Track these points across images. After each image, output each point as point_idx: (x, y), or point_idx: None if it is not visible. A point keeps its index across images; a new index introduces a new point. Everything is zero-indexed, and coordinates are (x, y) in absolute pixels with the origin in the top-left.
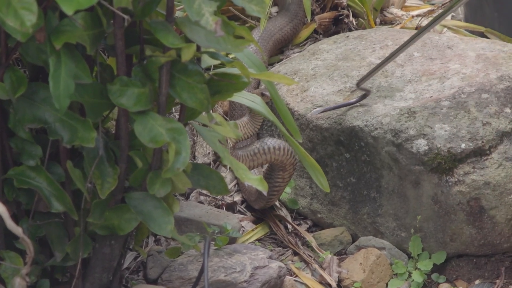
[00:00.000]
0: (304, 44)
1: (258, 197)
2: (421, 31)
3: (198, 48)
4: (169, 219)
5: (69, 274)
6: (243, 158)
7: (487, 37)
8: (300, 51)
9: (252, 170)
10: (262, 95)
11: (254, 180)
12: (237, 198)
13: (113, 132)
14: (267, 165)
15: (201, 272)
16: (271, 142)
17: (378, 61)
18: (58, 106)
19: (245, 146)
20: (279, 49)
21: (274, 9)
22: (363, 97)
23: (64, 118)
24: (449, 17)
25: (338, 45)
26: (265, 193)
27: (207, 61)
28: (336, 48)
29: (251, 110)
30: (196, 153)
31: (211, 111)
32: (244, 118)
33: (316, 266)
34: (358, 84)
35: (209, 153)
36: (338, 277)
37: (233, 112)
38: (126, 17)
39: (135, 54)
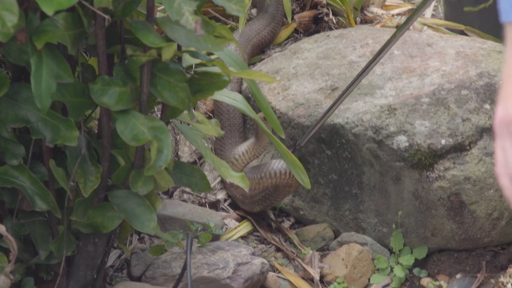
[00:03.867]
0: (285, 43)
1: (256, 201)
2: (372, 59)
3: (179, 47)
4: (152, 216)
5: (53, 272)
6: (250, 181)
7: (466, 35)
8: (281, 50)
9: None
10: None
11: (236, 177)
12: (220, 196)
13: (96, 131)
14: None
15: (184, 268)
16: (277, 166)
17: (359, 60)
18: (40, 106)
19: (253, 167)
20: (260, 51)
21: (254, 11)
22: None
23: (47, 117)
24: (429, 15)
25: (319, 44)
26: (246, 190)
27: (188, 60)
28: (317, 47)
29: (257, 132)
30: (180, 152)
31: (193, 109)
32: (251, 140)
33: (298, 262)
34: (300, 144)
35: (194, 152)
36: (320, 272)
37: (221, 117)
38: (106, 17)
39: (116, 54)
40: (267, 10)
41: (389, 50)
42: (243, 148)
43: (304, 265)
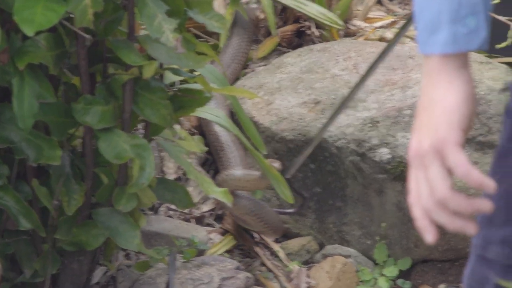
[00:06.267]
0: (269, 57)
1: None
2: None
3: (161, 65)
4: (136, 233)
5: None
6: (248, 213)
7: None
8: (265, 65)
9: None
10: None
11: (219, 193)
12: (205, 209)
13: (79, 149)
14: None
15: (169, 285)
16: (274, 218)
17: (342, 73)
18: (23, 126)
19: (259, 203)
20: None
21: None
22: (301, 206)
23: (30, 137)
24: (411, 27)
25: (302, 58)
26: (229, 205)
27: (170, 77)
28: (300, 61)
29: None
30: (165, 168)
31: (179, 125)
32: (255, 173)
33: (283, 276)
34: (286, 172)
35: (178, 168)
36: (307, 287)
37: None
38: (87, 36)
39: (99, 73)
40: (241, 26)
41: (376, 67)
42: (241, 173)
43: (288, 285)
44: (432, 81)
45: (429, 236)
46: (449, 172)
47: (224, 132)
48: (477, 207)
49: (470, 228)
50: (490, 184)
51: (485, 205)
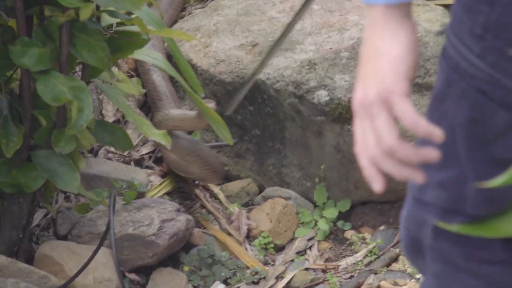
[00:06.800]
0: (206, 0)
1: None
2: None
3: (98, 7)
4: (75, 175)
5: None
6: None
7: None
8: (202, 7)
9: None
10: None
11: (158, 135)
12: (145, 151)
13: (18, 92)
14: None
15: (108, 227)
16: (216, 160)
17: (279, 15)
18: None
19: (197, 141)
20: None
21: None
22: (240, 139)
23: None
24: None
25: (239, 1)
26: (168, 147)
27: (107, 19)
28: (237, 4)
29: (199, 113)
30: (104, 111)
31: (116, 68)
32: (191, 113)
33: (224, 218)
34: (228, 111)
35: (117, 110)
36: (247, 229)
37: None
38: None
39: (36, 15)
40: None
41: (308, 7)
42: (178, 112)
43: (227, 226)
44: (376, 32)
45: (377, 184)
46: (396, 121)
47: (159, 77)
48: (424, 156)
49: (417, 177)
50: (437, 133)
51: (432, 154)
